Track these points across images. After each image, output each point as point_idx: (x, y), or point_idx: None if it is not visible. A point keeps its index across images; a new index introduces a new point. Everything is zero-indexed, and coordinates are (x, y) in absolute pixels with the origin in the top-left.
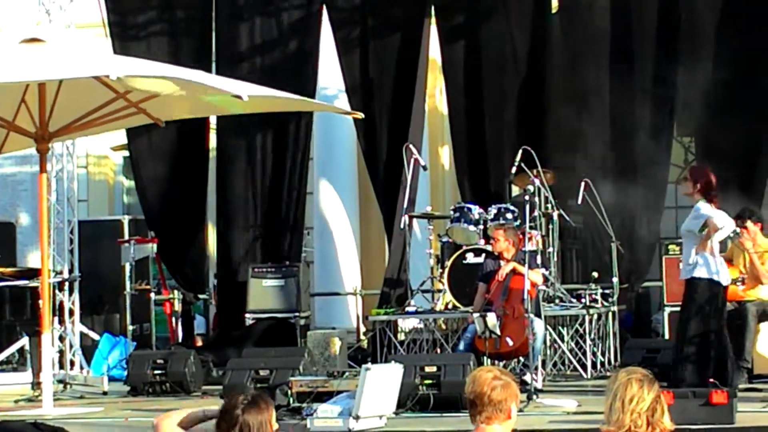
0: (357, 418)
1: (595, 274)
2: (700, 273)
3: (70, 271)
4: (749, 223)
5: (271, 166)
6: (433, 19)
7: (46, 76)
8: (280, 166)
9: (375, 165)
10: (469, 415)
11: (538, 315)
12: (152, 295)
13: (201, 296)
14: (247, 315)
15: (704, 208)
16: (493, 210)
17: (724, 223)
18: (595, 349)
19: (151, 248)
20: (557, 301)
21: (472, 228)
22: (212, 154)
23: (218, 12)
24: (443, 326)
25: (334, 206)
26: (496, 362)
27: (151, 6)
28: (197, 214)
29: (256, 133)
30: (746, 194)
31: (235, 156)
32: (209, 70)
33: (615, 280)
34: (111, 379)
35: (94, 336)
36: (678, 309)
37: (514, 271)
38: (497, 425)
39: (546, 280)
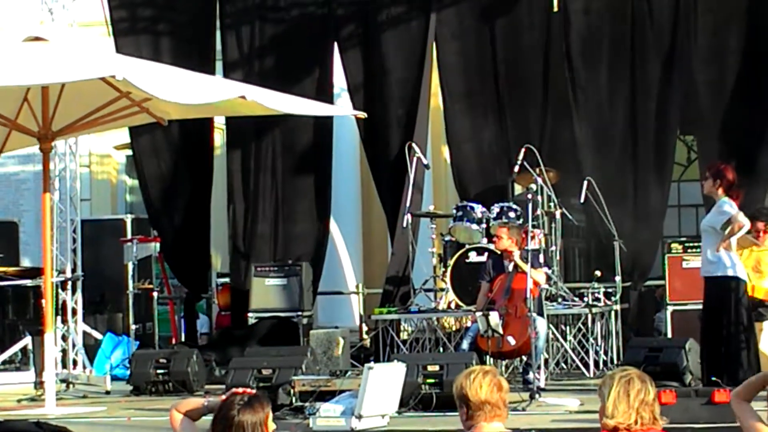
0: (359, 417)
1: (598, 273)
2: (729, 271)
3: (73, 271)
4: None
5: (283, 163)
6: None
7: (51, 79)
8: (296, 163)
9: (377, 163)
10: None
11: (540, 314)
12: (155, 294)
13: (204, 295)
14: (249, 314)
15: (729, 205)
16: (495, 209)
17: (745, 221)
18: (598, 348)
19: (154, 247)
20: (560, 299)
21: (474, 227)
22: (216, 152)
23: (222, 11)
24: (446, 325)
25: (337, 204)
26: (499, 361)
27: (155, 4)
28: (200, 213)
29: (267, 129)
30: (748, 192)
31: (246, 153)
32: (213, 70)
33: (618, 278)
34: (114, 378)
35: (97, 335)
36: (680, 307)
37: (516, 269)
38: (498, 422)
39: (549, 278)
